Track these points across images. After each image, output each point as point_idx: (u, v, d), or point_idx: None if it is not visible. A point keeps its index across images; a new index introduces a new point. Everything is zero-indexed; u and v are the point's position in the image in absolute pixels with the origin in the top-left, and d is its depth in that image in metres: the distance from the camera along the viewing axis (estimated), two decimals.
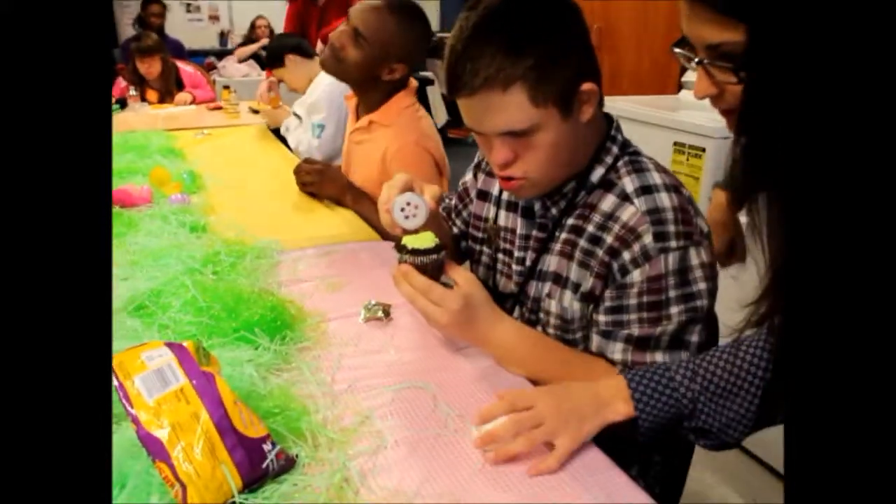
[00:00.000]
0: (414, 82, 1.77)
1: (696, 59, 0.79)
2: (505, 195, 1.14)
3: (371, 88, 1.72)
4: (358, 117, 1.80)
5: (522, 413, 0.80)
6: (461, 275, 0.95)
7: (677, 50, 0.82)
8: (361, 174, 1.76)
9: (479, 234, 1.21)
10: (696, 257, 0.93)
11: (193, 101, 3.86)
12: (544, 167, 0.95)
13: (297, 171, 1.84)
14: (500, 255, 1.16)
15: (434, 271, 0.94)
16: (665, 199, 0.94)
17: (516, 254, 1.10)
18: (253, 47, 6.23)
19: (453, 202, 1.30)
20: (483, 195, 1.20)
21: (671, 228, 0.92)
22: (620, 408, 0.83)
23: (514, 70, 0.87)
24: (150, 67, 3.81)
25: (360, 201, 1.71)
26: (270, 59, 2.90)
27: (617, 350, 0.96)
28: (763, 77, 0.46)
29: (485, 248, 1.20)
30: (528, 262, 1.08)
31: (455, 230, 1.30)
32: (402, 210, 0.96)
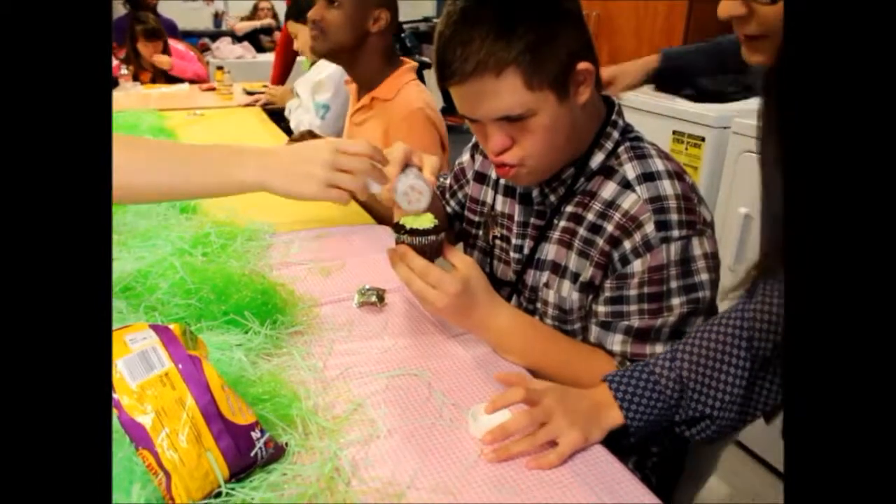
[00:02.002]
0: (413, 62, 1.76)
1: None
2: (502, 179, 1.11)
3: (365, 57, 1.69)
4: (359, 99, 1.78)
5: (533, 408, 0.78)
6: (460, 258, 0.93)
7: None
8: None
9: (476, 218, 1.18)
10: (698, 247, 0.90)
11: (172, 69, 3.83)
12: (541, 152, 0.92)
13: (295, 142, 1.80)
14: (498, 242, 1.13)
15: (432, 253, 0.92)
16: (668, 187, 0.91)
17: (514, 241, 1.08)
18: (253, 24, 6.16)
19: (448, 182, 1.27)
20: (480, 177, 1.18)
21: (674, 217, 0.90)
22: (614, 413, 0.82)
23: (506, 53, 0.85)
24: (155, 50, 3.81)
25: None
26: (297, 8, 2.74)
27: (616, 342, 0.94)
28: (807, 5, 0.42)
29: (481, 233, 1.18)
30: (525, 251, 1.05)
31: (448, 210, 1.27)
32: (406, 195, 0.94)
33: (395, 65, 1.73)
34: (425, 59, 5.95)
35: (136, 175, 0.81)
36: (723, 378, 0.81)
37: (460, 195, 1.24)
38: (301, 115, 2.51)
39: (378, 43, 1.68)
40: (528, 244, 1.05)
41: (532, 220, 1.04)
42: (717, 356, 0.82)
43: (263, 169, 0.83)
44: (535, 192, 1.03)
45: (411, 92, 1.68)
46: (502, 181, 1.12)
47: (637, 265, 0.91)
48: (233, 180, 0.83)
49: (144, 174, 0.81)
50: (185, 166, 0.82)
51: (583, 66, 0.89)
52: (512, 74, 0.86)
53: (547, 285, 1.02)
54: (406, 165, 0.97)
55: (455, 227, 1.26)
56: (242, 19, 6.45)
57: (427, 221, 0.92)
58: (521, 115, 0.88)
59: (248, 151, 0.85)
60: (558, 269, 1.00)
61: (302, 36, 2.76)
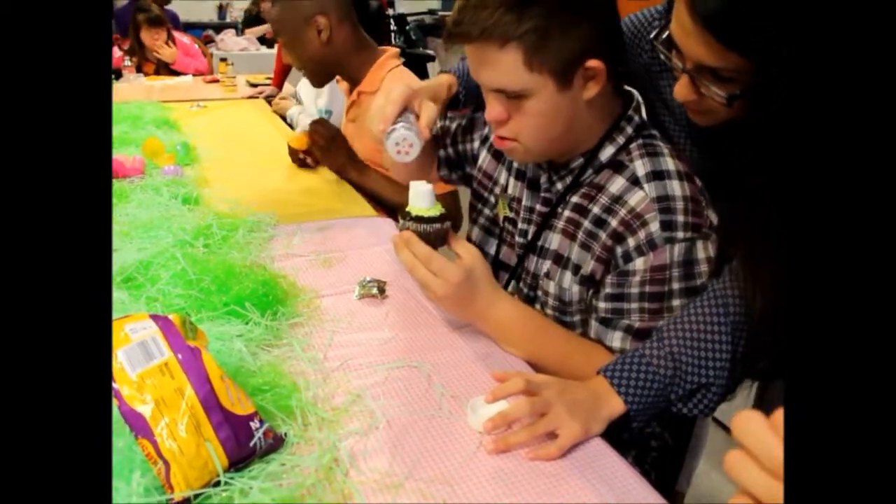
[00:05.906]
0: (394, 48, 1.77)
1: (685, 68, 0.81)
2: (515, 162, 1.11)
3: (341, 60, 1.70)
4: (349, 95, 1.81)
5: (534, 398, 0.78)
6: (464, 248, 0.93)
7: (659, 45, 0.84)
8: (360, 149, 1.73)
9: (485, 194, 1.17)
10: (702, 251, 0.90)
11: (174, 63, 3.82)
12: (534, 136, 0.92)
13: (311, 132, 1.78)
14: (507, 224, 1.12)
15: (437, 241, 0.92)
16: (676, 188, 0.91)
17: (520, 225, 1.07)
18: (265, 27, 6.14)
19: (453, 126, 1.24)
20: (497, 154, 1.16)
21: (679, 218, 0.89)
22: (614, 402, 0.82)
23: (512, 28, 0.85)
24: (158, 39, 3.80)
25: (365, 173, 1.68)
26: (249, 19, 2.77)
27: (616, 338, 0.93)
28: (767, 116, 0.45)
29: (486, 210, 1.17)
30: (529, 236, 1.05)
31: (442, 154, 1.25)
32: (397, 145, 0.96)
33: (375, 54, 1.73)
34: (429, 52, 5.95)
35: None
36: (710, 346, 0.83)
37: (461, 148, 1.22)
38: (304, 121, 2.50)
39: (345, 42, 1.67)
40: (531, 230, 1.05)
41: (538, 206, 1.04)
42: (702, 327, 0.84)
43: None
44: (542, 178, 1.03)
45: (394, 76, 1.67)
46: (516, 164, 1.11)
47: (639, 263, 0.90)
48: None
49: None
50: None
51: (593, 62, 0.88)
52: (514, 50, 0.86)
53: (548, 276, 1.01)
54: (404, 110, 0.98)
55: (442, 173, 1.25)
56: (244, 18, 6.39)
57: (433, 209, 0.92)
58: (518, 92, 0.88)
59: None
60: (560, 260, 1.00)
61: None
